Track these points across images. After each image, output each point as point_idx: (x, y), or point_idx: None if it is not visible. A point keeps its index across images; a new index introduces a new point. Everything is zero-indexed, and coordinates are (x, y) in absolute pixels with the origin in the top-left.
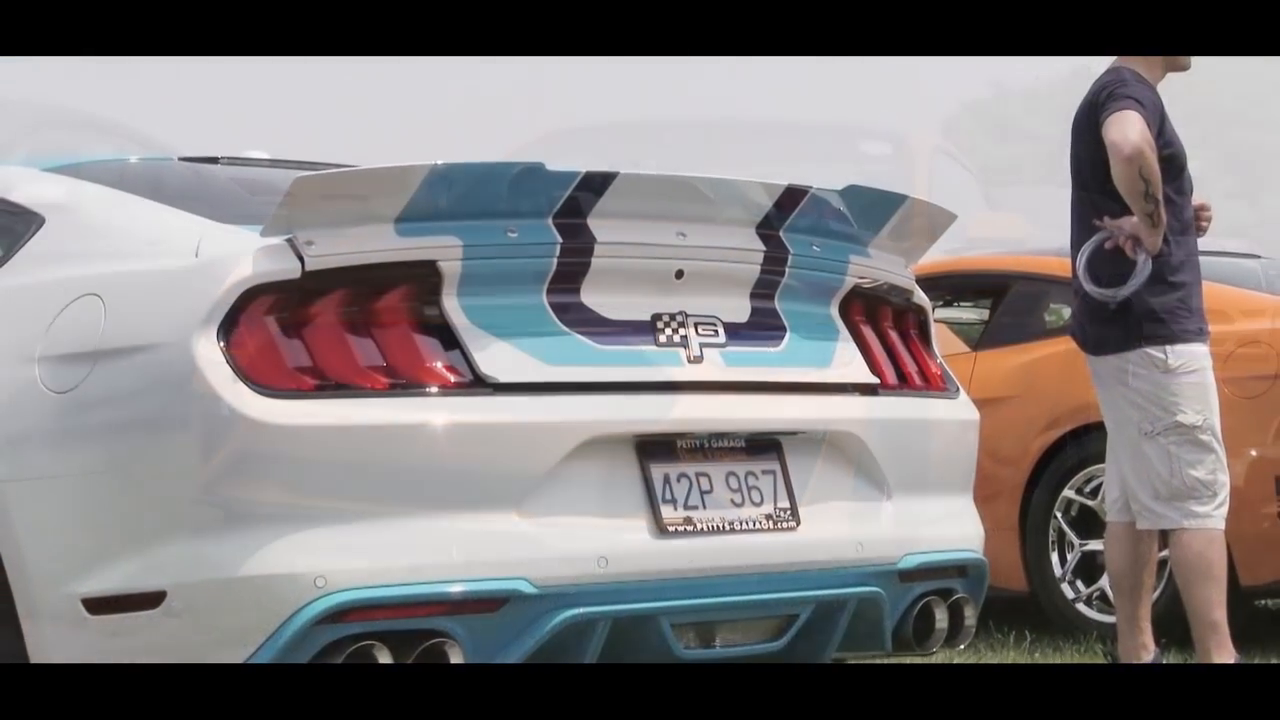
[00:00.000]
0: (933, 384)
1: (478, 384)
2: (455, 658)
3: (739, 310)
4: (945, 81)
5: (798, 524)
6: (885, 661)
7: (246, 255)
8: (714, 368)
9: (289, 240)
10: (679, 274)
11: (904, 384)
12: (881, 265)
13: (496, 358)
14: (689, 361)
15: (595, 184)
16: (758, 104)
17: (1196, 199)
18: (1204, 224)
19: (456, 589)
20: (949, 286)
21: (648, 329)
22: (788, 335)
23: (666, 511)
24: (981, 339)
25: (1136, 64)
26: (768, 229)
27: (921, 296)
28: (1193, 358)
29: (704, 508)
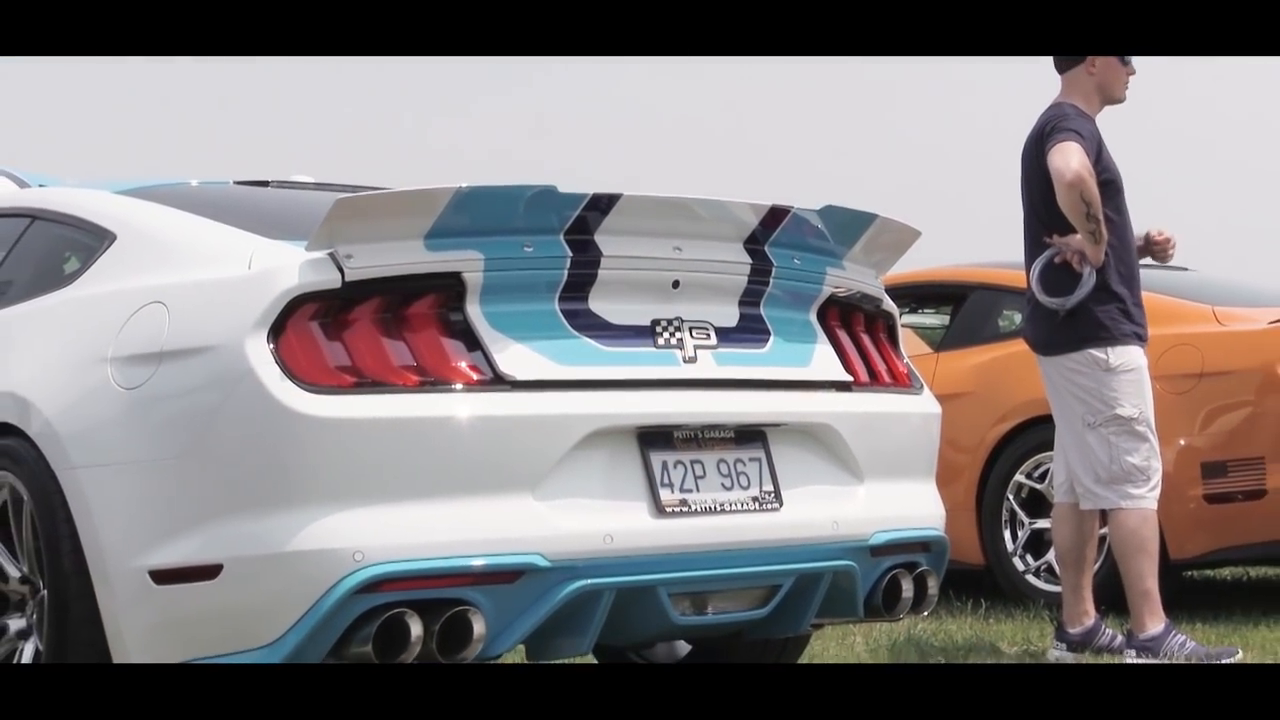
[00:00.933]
0: (900, 381)
1: (497, 381)
2: (478, 625)
3: (729, 316)
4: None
5: (780, 505)
6: (884, 662)
7: (293, 267)
8: (707, 367)
9: (330, 254)
10: (675, 284)
11: (874, 381)
12: (854, 276)
13: (514, 358)
14: (684, 362)
15: (602, 204)
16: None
17: (1162, 231)
18: (1170, 252)
19: (479, 562)
20: (915, 295)
21: (648, 333)
22: (771, 338)
23: (664, 494)
24: (943, 341)
25: (1076, 99)
26: (754, 244)
27: (890, 304)
28: (1130, 358)
29: (698, 491)
